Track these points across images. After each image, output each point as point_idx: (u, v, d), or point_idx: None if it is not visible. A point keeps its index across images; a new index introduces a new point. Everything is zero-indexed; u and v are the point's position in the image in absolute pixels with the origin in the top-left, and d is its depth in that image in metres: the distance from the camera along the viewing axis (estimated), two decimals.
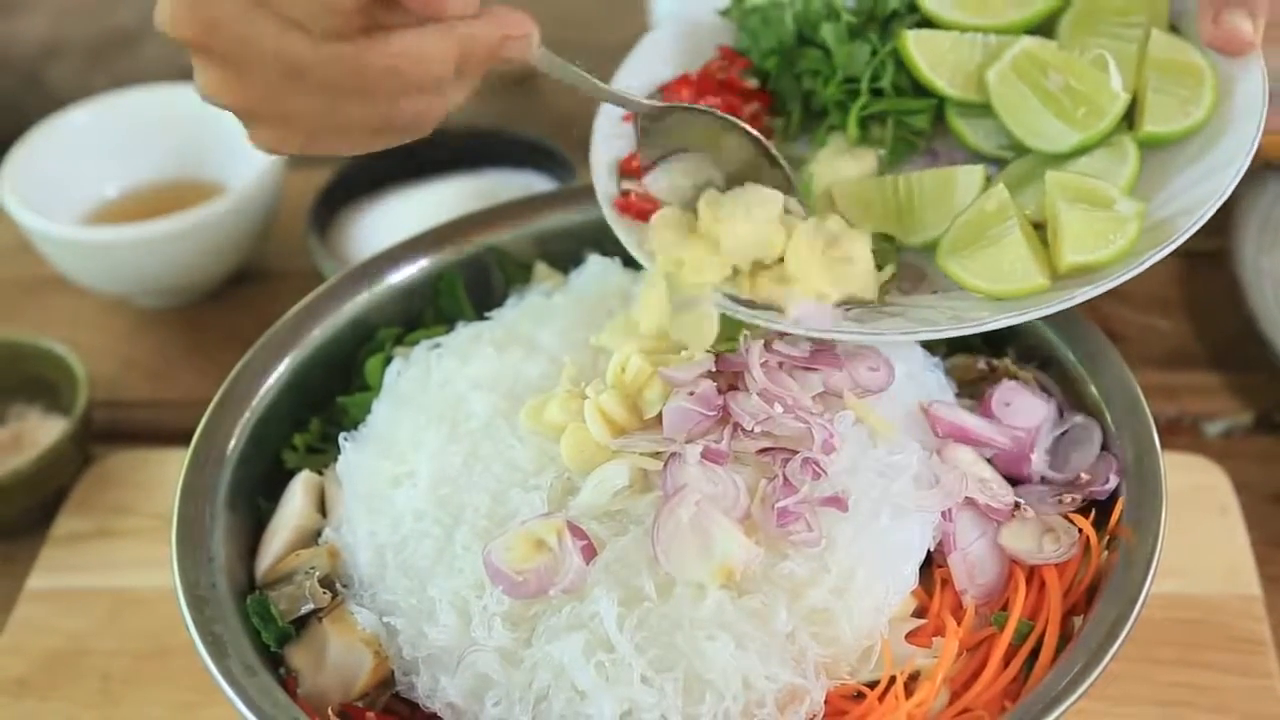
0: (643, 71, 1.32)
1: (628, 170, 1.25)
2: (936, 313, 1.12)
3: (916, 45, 1.22)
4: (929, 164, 1.25)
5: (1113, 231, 1.10)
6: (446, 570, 1.06)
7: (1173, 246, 1.08)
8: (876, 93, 1.25)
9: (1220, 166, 1.11)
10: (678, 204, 1.21)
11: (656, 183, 1.21)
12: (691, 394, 1.06)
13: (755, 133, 1.19)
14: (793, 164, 1.24)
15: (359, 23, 0.91)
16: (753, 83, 1.31)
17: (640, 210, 1.22)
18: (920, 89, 1.24)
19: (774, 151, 1.19)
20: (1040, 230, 1.14)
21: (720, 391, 1.08)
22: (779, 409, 1.07)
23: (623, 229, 1.21)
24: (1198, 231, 1.62)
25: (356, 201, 1.67)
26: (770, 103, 1.31)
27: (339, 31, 0.91)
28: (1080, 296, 1.08)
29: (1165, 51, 1.18)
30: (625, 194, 1.23)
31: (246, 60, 0.93)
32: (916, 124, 1.25)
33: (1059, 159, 1.17)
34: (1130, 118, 1.18)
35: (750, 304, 1.15)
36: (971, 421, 1.13)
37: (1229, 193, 1.09)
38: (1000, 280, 1.12)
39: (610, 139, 1.27)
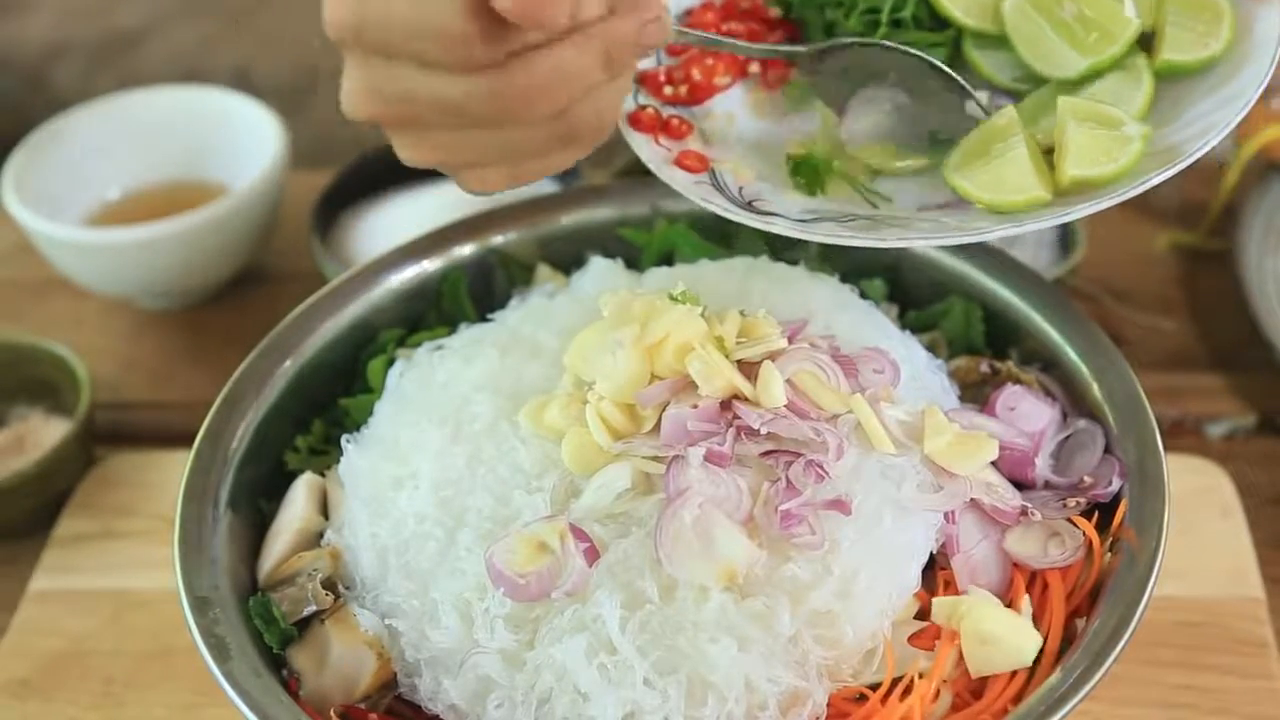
0: None
1: (648, 85, 1.25)
2: (938, 225, 1.13)
3: None
4: None
5: (1117, 149, 1.11)
6: (449, 572, 1.06)
7: (1179, 168, 1.09)
8: (896, 24, 1.25)
9: (1233, 98, 1.12)
10: (886, 140, 1.21)
11: (854, 127, 1.22)
12: (694, 406, 1.06)
13: (918, 52, 1.20)
14: (808, 92, 1.27)
15: (490, 48, 0.92)
16: (776, 11, 1.31)
17: (652, 124, 1.22)
18: (938, 23, 1.25)
19: (940, 65, 1.20)
20: (1050, 156, 1.15)
21: (724, 406, 1.08)
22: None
23: (637, 142, 1.21)
24: (1203, 232, 1.64)
25: (359, 203, 1.67)
26: (793, 32, 1.31)
27: (472, 61, 0.93)
28: (1078, 211, 1.08)
29: None
30: (642, 108, 1.23)
31: (416, 115, 0.97)
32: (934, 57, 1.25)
33: (1073, 86, 1.19)
34: (1147, 46, 1.19)
35: (747, 206, 1.15)
36: (985, 424, 1.12)
37: (1237, 121, 1.10)
38: (1002, 192, 1.12)
39: None
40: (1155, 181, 1.08)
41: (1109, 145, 1.11)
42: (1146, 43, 1.19)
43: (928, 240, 1.11)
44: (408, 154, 1.01)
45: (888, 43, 1.21)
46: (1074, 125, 1.12)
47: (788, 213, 1.16)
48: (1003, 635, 1.02)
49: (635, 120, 1.22)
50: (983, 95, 1.21)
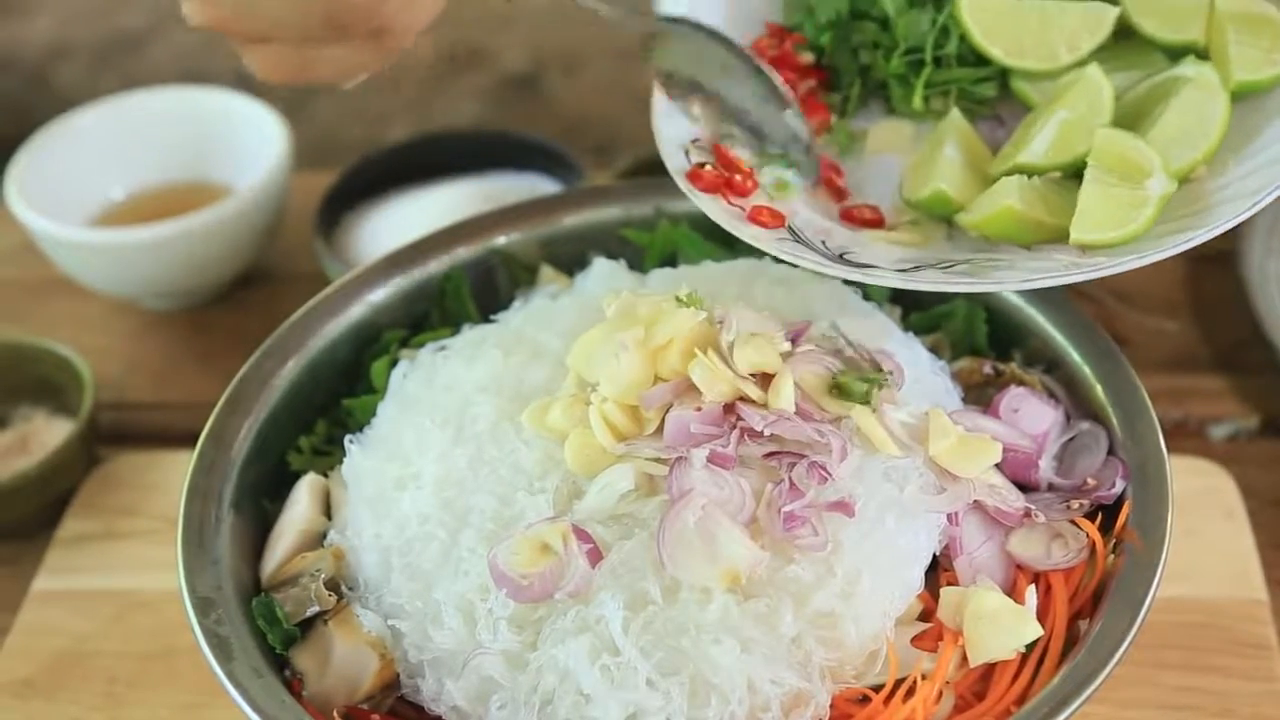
0: None
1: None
2: (1050, 264, 1.11)
3: (971, 12, 1.23)
4: (994, 129, 1.25)
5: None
6: (452, 573, 1.06)
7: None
8: (939, 63, 1.24)
9: None
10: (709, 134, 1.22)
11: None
12: (698, 409, 1.06)
13: (762, 64, 1.18)
14: (855, 139, 1.27)
15: None
16: (808, 58, 1.30)
17: (715, 182, 1.21)
18: (982, 59, 1.24)
19: (780, 86, 1.18)
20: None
21: (728, 408, 1.07)
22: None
23: (703, 201, 1.20)
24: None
25: (362, 204, 1.67)
26: (825, 79, 1.31)
27: None
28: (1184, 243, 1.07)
29: (1238, 5, 1.20)
30: (700, 166, 1.22)
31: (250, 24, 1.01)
32: (982, 92, 1.25)
33: (1143, 115, 1.18)
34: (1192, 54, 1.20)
35: (839, 259, 1.15)
36: (988, 426, 1.12)
37: None
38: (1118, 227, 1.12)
39: (672, 116, 1.27)
40: (1265, 201, 1.07)
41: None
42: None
43: (1035, 281, 1.09)
44: (193, 13, 1.04)
45: (718, 33, 1.18)
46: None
47: (882, 263, 1.16)
48: (1002, 614, 1.02)
49: (695, 178, 1.21)
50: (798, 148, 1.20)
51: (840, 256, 1.16)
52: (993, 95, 1.25)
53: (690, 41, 1.18)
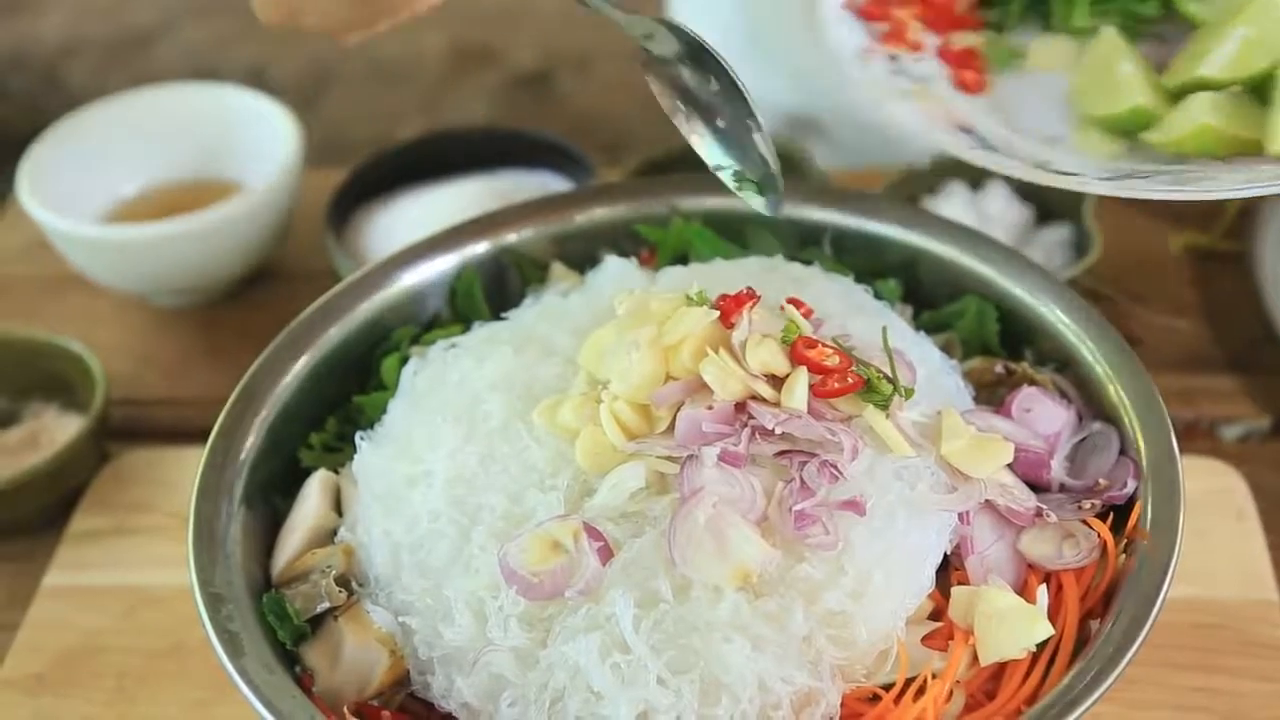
0: None
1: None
2: (1255, 174, 1.11)
3: None
4: (1155, 48, 1.24)
5: None
6: (462, 570, 1.06)
7: None
8: None
9: None
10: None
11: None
12: (709, 407, 1.06)
13: (739, 81, 1.14)
14: (1014, 55, 1.26)
15: None
16: None
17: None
18: None
19: (754, 107, 1.15)
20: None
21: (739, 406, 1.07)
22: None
23: (902, 114, 1.19)
24: (1218, 233, 1.63)
25: (373, 201, 1.67)
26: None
27: None
28: None
29: None
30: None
31: None
32: (1146, 10, 1.24)
33: None
34: None
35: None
36: (1000, 426, 1.12)
37: None
38: None
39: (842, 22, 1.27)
40: None
41: None
42: None
43: (1247, 189, 1.08)
44: None
45: (702, 42, 1.15)
46: None
47: (1086, 171, 1.14)
48: (1013, 614, 1.02)
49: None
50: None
51: (1038, 165, 1.15)
52: (1155, 13, 1.24)
53: (679, 45, 1.16)
